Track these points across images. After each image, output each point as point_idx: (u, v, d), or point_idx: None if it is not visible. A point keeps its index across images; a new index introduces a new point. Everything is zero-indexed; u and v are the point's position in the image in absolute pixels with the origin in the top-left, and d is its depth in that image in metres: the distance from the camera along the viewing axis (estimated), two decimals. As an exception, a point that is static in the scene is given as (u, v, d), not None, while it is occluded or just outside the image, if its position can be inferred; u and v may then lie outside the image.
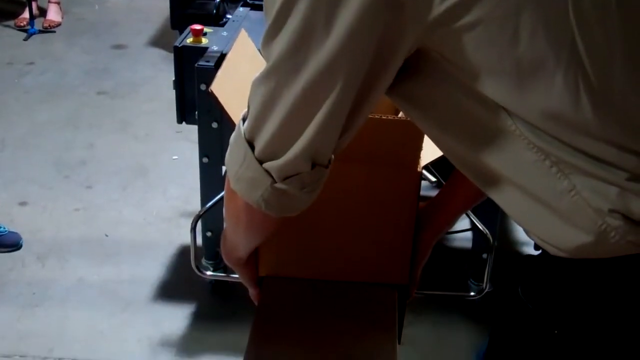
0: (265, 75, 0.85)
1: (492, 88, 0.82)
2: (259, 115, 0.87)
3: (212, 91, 1.16)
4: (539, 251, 0.98)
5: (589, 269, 0.93)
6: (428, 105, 0.90)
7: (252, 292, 1.32)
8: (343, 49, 0.80)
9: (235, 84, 1.30)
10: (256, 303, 1.31)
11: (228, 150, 0.95)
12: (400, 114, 1.54)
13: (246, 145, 0.90)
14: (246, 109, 0.91)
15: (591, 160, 0.84)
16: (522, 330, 1.04)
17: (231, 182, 0.96)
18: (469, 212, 1.57)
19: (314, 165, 0.91)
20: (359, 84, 0.83)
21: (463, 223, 2.81)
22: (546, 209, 0.88)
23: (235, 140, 0.93)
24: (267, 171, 0.90)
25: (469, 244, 2.56)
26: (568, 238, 0.88)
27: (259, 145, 0.89)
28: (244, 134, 0.91)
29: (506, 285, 1.27)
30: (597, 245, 0.87)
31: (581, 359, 0.98)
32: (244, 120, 0.91)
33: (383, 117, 1.13)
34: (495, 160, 0.88)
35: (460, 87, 0.85)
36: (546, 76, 0.80)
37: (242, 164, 0.92)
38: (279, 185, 0.91)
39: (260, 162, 0.90)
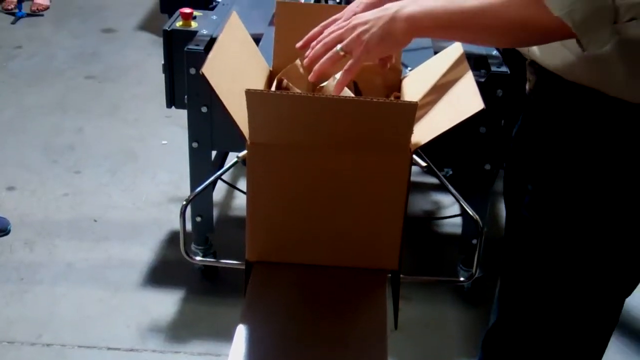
0: None
1: None
2: None
3: (203, 73, 1.15)
4: None
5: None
6: None
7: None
8: None
9: (226, 67, 1.29)
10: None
11: None
12: (392, 97, 1.53)
13: None
14: None
15: None
16: None
17: None
18: (460, 198, 1.56)
19: None
20: None
21: (453, 209, 2.82)
22: None
23: None
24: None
25: (458, 230, 2.56)
26: None
27: None
28: None
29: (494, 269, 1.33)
30: None
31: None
32: None
33: (374, 100, 1.12)
34: None
35: None
36: None
37: None
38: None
39: None
